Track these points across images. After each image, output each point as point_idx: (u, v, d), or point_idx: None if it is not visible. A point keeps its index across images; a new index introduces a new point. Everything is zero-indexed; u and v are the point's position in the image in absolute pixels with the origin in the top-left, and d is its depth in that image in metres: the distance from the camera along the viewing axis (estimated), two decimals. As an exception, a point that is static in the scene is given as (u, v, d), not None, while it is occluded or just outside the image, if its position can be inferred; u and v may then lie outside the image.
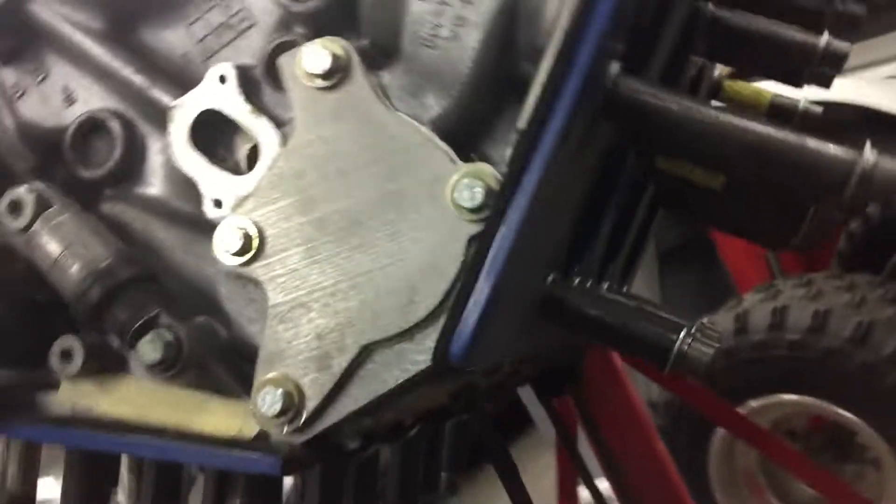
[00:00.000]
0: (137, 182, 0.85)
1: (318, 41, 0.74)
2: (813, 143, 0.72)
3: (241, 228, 0.75)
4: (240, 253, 0.75)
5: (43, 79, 0.89)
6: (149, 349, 0.73)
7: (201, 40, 0.85)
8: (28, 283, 0.81)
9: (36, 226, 0.76)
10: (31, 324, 0.85)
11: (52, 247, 0.75)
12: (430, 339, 0.71)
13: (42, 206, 0.77)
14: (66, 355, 0.78)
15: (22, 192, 0.78)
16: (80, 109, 0.87)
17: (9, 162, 0.87)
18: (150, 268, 0.78)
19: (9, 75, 0.90)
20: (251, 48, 0.83)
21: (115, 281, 0.74)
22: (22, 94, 0.89)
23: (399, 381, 0.72)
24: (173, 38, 0.86)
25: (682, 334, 0.81)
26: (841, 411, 2.35)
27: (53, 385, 0.84)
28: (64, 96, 0.88)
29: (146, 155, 0.85)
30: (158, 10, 0.86)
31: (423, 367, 0.72)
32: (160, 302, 0.75)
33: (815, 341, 2.31)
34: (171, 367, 0.73)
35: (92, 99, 0.87)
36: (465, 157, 0.73)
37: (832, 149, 0.71)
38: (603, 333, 0.83)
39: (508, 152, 0.73)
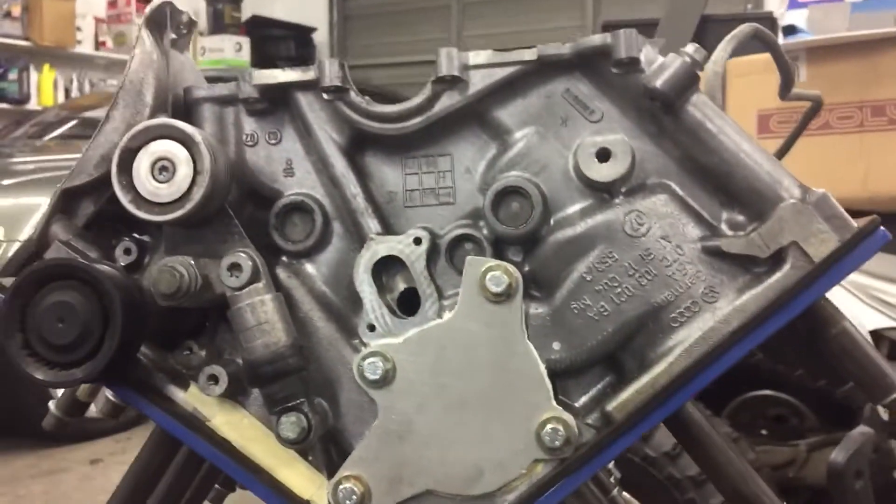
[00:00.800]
0: (313, 267, 1.07)
1: (503, 266, 0.97)
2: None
3: (384, 361, 0.99)
4: (374, 378, 0.99)
5: (275, 143, 1.09)
6: (287, 427, 0.96)
7: (409, 191, 1.06)
8: (203, 305, 1.03)
9: (243, 293, 0.98)
10: (176, 317, 1.07)
11: (249, 317, 0.97)
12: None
13: (254, 277, 0.98)
14: (214, 379, 1.01)
15: (243, 258, 0.99)
16: (294, 184, 1.08)
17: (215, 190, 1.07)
18: (308, 358, 1.00)
19: (248, 124, 1.09)
20: (442, 218, 1.05)
21: (284, 367, 0.96)
22: (254, 145, 1.09)
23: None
24: (388, 175, 1.07)
25: None
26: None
27: (178, 377, 1.07)
28: (285, 166, 1.09)
29: (328, 251, 1.07)
30: (387, 148, 1.07)
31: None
32: (305, 391, 0.98)
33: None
34: (296, 444, 0.97)
35: (306, 182, 1.08)
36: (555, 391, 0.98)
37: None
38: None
39: (584, 399, 1.00)
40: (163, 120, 0.99)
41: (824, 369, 1.07)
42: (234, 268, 0.99)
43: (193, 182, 0.97)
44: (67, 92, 9.91)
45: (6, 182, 6.17)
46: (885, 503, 3.04)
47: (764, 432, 3.62)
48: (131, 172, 0.99)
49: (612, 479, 1.50)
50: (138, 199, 0.98)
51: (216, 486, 1.44)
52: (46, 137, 6.97)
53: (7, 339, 0.98)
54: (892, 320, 3.00)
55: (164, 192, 0.98)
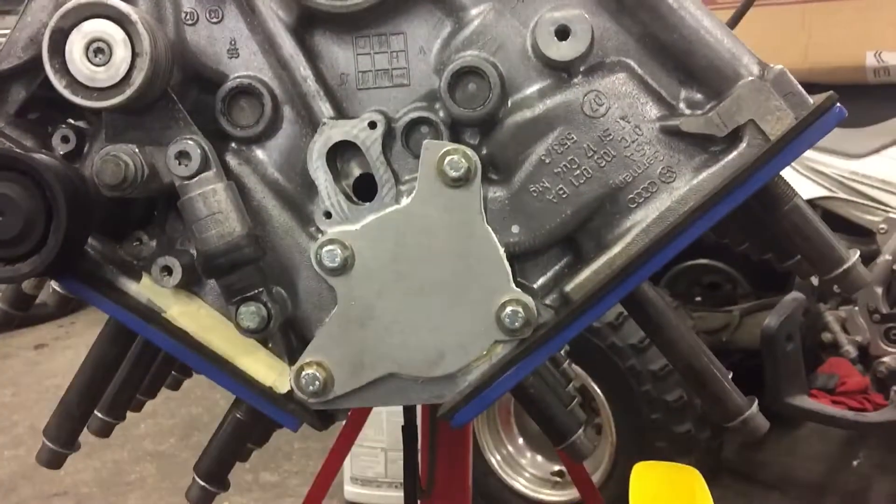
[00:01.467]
0: (263, 153, 1.03)
1: (461, 150, 0.95)
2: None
3: (342, 249, 0.97)
4: (332, 265, 0.98)
5: (216, 22, 1.03)
6: (247, 317, 0.95)
7: (362, 72, 1.02)
8: (150, 194, 1.00)
9: (193, 183, 0.94)
10: (122, 207, 1.03)
11: (201, 207, 0.94)
12: (449, 392, 0.99)
13: (204, 165, 0.95)
14: (167, 270, 0.99)
15: (191, 145, 0.95)
16: (240, 66, 1.02)
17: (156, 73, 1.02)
18: (264, 248, 0.98)
19: (187, 1, 1.02)
20: (396, 101, 1.01)
21: (240, 257, 0.94)
22: (193, 23, 1.03)
23: (413, 402, 1.01)
24: (339, 56, 1.02)
25: (581, 431, 1.14)
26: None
27: (129, 269, 1.04)
28: (230, 47, 1.03)
29: (279, 136, 1.03)
30: (337, 27, 1.02)
31: (436, 402, 1.00)
32: (263, 280, 0.96)
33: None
34: (255, 333, 0.96)
35: (252, 63, 1.03)
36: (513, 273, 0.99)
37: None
38: (526, 401, 1.14)
39: (542, 280, 1.01)
40: (95, -2, 0.93)
41: (770, 243, 1.09)
42: (182, 156, 0.95)
43: (133, 65, 0.92)
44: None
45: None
46: (813, 363, 3.22)
47: (699, 299, 3.76)
48: (64, 55, 0.92)
49: (562, 352, 1.55)
50: (74, 83, 0.93)
51: (172, 372, 1.44)
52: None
53: (-55, 234, 0.93)
54: (826, 190, 3.09)
55: (102, 75, 0.92)
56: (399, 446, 3.27)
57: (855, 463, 3.69)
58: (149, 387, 1.35)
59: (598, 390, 2.94)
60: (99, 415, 1.22)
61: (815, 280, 3.08)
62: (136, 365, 1.20)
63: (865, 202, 2.99)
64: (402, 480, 3.42)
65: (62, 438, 1.10)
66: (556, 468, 3.13)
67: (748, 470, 3.66)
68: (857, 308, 3.13)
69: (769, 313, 2.94)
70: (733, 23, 1.60)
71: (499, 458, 3.18)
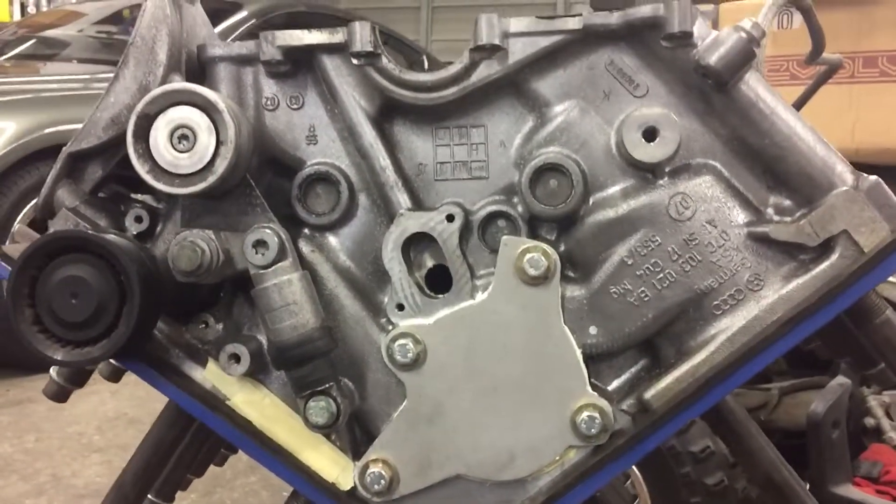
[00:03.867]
0: (336, 241, 1.02)
1: (541, 248, 0.94)
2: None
3: (414, 344, 0.95)
4: (404, 360, 0.95)
5: (297, 108, 1.02)
6: (316, 413, 0.92)
7: (440, 163, 1.01)
8: (223, 280, 0.98)
9: (269, 272, 0.93)
10: (191, 290, 1.01)
11: (276, 297, 0.92)
12: (518, 498, 0.96)
13: (281, 255, 0.93)
14: (235, 358, 0.97)
15: (268, 234, 0.94)
16: (317, 153, 1.02)
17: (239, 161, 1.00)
18: (336, 340, 0.96)
19: (268, 87, 1.03)
20: (474, 193, 1.00)
21: (313, 350, 0.92)
22: (274, 109, 1.03)
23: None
24: (419, 146, 1.01)
25: None
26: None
27: (194, 353, 1.03)
28: (308, 133, 1.02)
29: (353, 224, 1.02)
30: (418, 118, 1.01)
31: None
32: (334, 375, 0.94)
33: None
34: (324, 429, 0.94)
35: (330, 150, 1.02)
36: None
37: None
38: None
39: (617, 384, 0.98)
40: (183, 85, 0.92)
41: (851, 351, 1.05)
42: (260, 245, 0.94)
43: (216, 153, 0.91)
44: (24, 8, 9.49)
45: (-38, 104, 5.93)
46: (856, 448, 3.13)
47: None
48: (148, 140, 0.92)
49: None
50: (156, 169, 0.92)
51: (221, 449, 1.41)
52: (2, 57, 6.69)
53: (16, 315, 0.92)
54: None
55: (185, 162, 0.92)
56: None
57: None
58: (198, 466, 1.32)
59: (636, 470, 2.87)
60: (150, 497, 1.20)
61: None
62: (191, 446, 1.17)
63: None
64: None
65: (116, 521, 1.07)
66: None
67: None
68: (903, 393, 3.05)
69: (812, 394, 2.87)
70: (800, 104, 1.58)
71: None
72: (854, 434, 3.07)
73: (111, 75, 1.02)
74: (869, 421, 3.09)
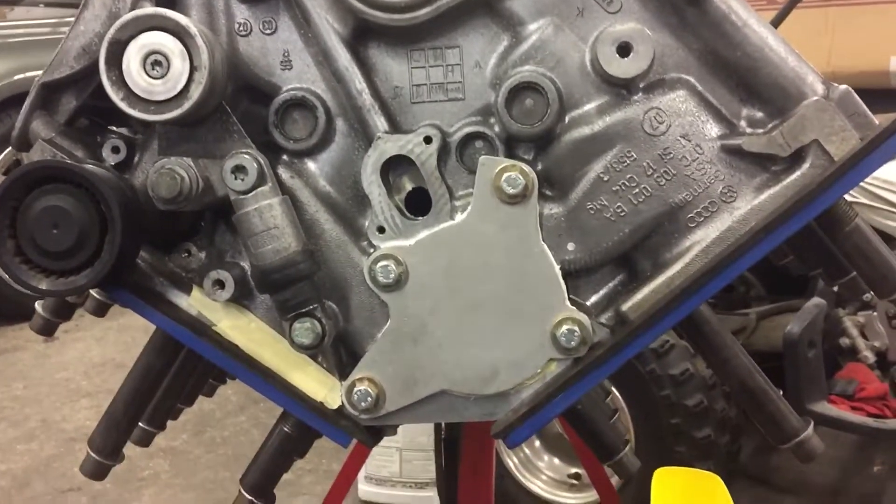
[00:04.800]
0: (316, 166, 1.02)
1: (519, 166, 0.94)
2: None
3: (396, 265, 0.96)
4: (386, 282, 0.97)
5: (270, 33, 1.02)
6: (301, 333, 0.94)
7: (416, 86, 1.01)
8: (204, 208, 0.99)
9: (249, 197, 0.94)
10: (172, 219, 1.02)
11: (257, 222, 0.93)
12: (501, 410, 0.98)
13: (260, 180, 0.94)
14: (220, 284, 0.98)
15: (247, 159, 0.94)
16: (293, 78, 1.02)
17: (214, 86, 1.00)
18: (318, 263, 0.97)
19: (240, 12, 1.02)
20: (451, 115, 1.00)
21: (296, 273, 0.93)
22: (247, 35, 1.02)
23: (464, 419, 1.00)
24: (393, 68, 1.01)
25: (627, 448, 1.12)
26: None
27: (178, 281, 1.04)
28: (283, 58, 1.02)
29: (331, 149, 1.02)
30: (392, 40, 1.00)
31: (488, 420, 0.99)
32: (317, 296, 0.96)
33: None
34: (309, 350, 0.95)
35: (305, 75, 1.02)
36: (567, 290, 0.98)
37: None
38: (573, 417, 1.13)
39: (595, 298, 1.00)
40: (154, 10, 0.91)
41: (823, 261, 1.08)
42: (239, 170, 0.94)
43: (191, 78, 0.91)
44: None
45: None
46: (831, 368, 3.21)
47: (712, 301, 3.75)
48: (121, 67, 0.91)
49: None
50: (131, 96, 0.92)
51: (210, 380, 1.43)
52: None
53: (-1, 247, 0.93)
54: (848, 195, 3.07)
55: (159, 88, 0.91)
56: (413, 446, 3.28)
57: (875, 469, 3.68)
58: (188, 395, 1.34)
59: (618, 394, 2.94)
60: (141, 425, 1.22)
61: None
62: (179, 374, 1.19)
63: (888, 208, 2.97)
64: (416, 480, 3.41)
65: (107, 449, 1.09)
66: (573, 471, 3.13)
67: (763, 474, 3.65)
68: (875, 314, 3.12)
69: (789, 318, 2.93)
70: (776, 23, 1.58)
71: (516, 460, 3.17)
72: (830, 354, 3.15)
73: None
74: (844, 341, 3.17)
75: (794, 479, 3.67)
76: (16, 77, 5.59)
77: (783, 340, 2.74)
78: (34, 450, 4.02)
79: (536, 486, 3.15)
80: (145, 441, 1.25)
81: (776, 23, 1.57)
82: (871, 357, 3.08)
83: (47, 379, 4.83)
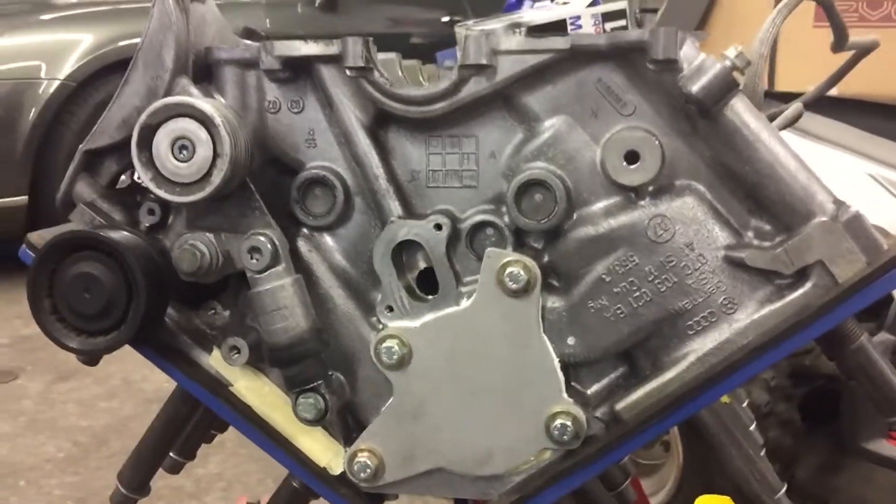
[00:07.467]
0: (333, 241, 1.07)
1: (523, 262, 0.97)
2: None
3: (400, 346, 1.00)
4: (390, 361, 1.01)
5: (297, 112, 1.06)
6: (305, 409, 1.00)
7: (432, 171, 1.04)
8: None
9: (263, 277, 0.99)
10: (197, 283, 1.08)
11: (268, 301, 0.98)
12: (495, 491, 1.02)
13: (274, 261, 0.99)
14: (236, 350, 1.04)
15: (262, 241, 0.99)
16: (316, 156, 1.06)
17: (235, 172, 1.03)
18: (327, 341, 1.02)
19: (271, 90, 1.06)
20: (464, 201, 1.03)
21: (303, 351, 0.98)
22: (276, 112, 1.06)
23: (460, 496, 1.04)
24: (411, 154, 1.04)
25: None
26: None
27: (202, 339, 1.10)
28: (308, 137, 1.06)
29: (349, 225, 1.06)
30: (412, 127, 1.03)
31: (483, 498, 1.03)
32: (324, 373, 1.01)
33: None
34: (312, 423, 1.01)
35: (328, 154, 1.05)
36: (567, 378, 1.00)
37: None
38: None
39: (596, 388, 1.02)
40: (182, 99, 0.97)
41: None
42: (254, 251, 0.99)
43: (213, 164, 0.96)
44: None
45: (45, 17, 6.10)
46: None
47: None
48: (151, 149, 0.97)
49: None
50: (159, 177, 0.98)
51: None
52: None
53: (35, 305, 1.01)
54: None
55: (184, 171, 0.97)
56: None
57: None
58: (222, 423, 1.42)
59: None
60: (172, 455, 1.30)
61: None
62: (209, 413, 1.26)
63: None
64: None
65: (134, 485, 1.18)
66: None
67: (821, 495, 3.58)
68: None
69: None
70: (826, 88, 1.54)
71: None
72: None
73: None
74: (913, 375, 3.06)
75: (852, 502, 3.58)
76: (121, 43, 5.83)
77: (841, 376, 2.67)
78: (114, 408, 4.26)
79: None
80: (176, 469, 1.34)
81: (831, 83, 1.51)
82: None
83: None
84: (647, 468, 3.07)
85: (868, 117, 2.83)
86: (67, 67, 5.70)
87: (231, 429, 1.46)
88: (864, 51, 1.34)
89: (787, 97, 1.52)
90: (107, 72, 5.79)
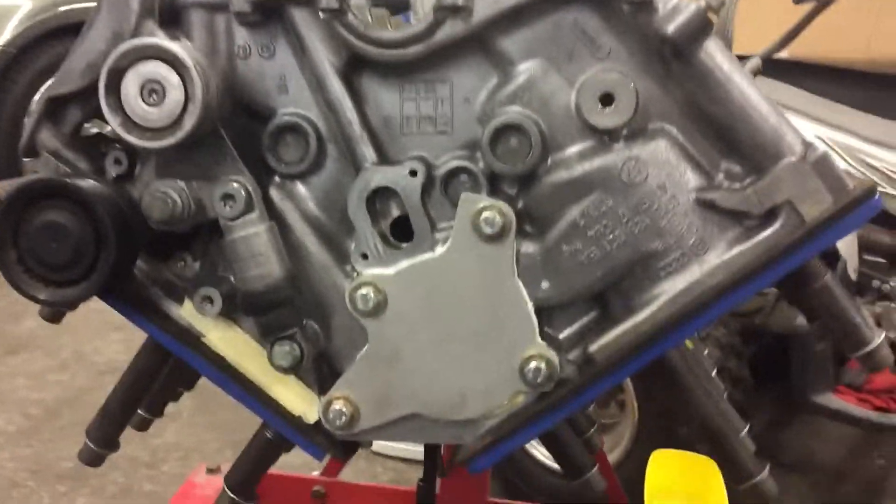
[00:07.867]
0: (306, 189, 1.06)
1: (497, 207, 0.97)
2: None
3: (375, 292, 1.00)
4: (365, 308, 1.01)
5: (268, 57, 1.04)
6: (280, 356, 0.99)
7: (406, 117, 1.03)
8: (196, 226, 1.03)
9: (236, 224, 0.98)
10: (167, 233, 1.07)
11: (242, 248, 0.98)
12: (469, 435, 1.03)
13: (248, 207, 0.98)
14: (208, 300, 1.03)
15: (235, 187, 0.98)
16: (288, 102, 1.04)
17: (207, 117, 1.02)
18: (300, 288, 1.02)
19: (240, 35, 1.04)
20: (438, 147, 1.03)
21: (277, 298, 0.98)
22: (245, 57, 1.05)
23: (434, 441, 1.05)
24: (384, 99, 1.03)
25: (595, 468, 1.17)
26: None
27: (172, 290, 1.08)
28: (279, 82, 1.05)
29: (322, 173, 1.05)
30: (385, 72, 1.03)
31: (457, 443, 1.04)
32: (298, 320, 1.00)
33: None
34: (287, 371, 1.01)
35: (300, 100, 1.04)
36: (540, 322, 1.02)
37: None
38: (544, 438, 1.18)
39: (568, 332, 1.03)
40: (152, 41, 0.95)
41: (796, 302, 1.09)
42: (228, 198, 0.98)
43: (184, 109, 0.94)
44: None
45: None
46: (845, 357, 3.21)
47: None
48: (120, 93, 0.95)
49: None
50: (128, 122, 0.96)
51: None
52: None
53: (1, 256, 0.98)
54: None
55: (154, 116, 0.95)
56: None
57: (881, 462, 3.70)
58: (189, 380, 1.41)
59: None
60: (140, 412, 1.29)
61: (853, 274, 3.05)
62: (177, 367, 1.25)
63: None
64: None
65: (103, 440, 1.16)
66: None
67: (770, 450, 3.69)
68: (894, 305, 3.10)
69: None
70: (786, 42, 1.57)
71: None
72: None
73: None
74: (858, 331, 3.16)
75: (800, 456, 3.70)
76: (61, 8, 5.66)
77: (794, 332, 2.75)
78: (66, 380, 4.19)
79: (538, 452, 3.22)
80: (144, 426, 1.33)
81: (791, 36, 1.54)
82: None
83: (81, 309, 4.98)
84: (603, 427, 3.13)
85: (817, 80, 2.89)
86: (6, 34, 5.53)
87: (187, 397, 1.46)
88: (825, 3, 1.37)
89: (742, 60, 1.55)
90: (47, 38, 5.64)
